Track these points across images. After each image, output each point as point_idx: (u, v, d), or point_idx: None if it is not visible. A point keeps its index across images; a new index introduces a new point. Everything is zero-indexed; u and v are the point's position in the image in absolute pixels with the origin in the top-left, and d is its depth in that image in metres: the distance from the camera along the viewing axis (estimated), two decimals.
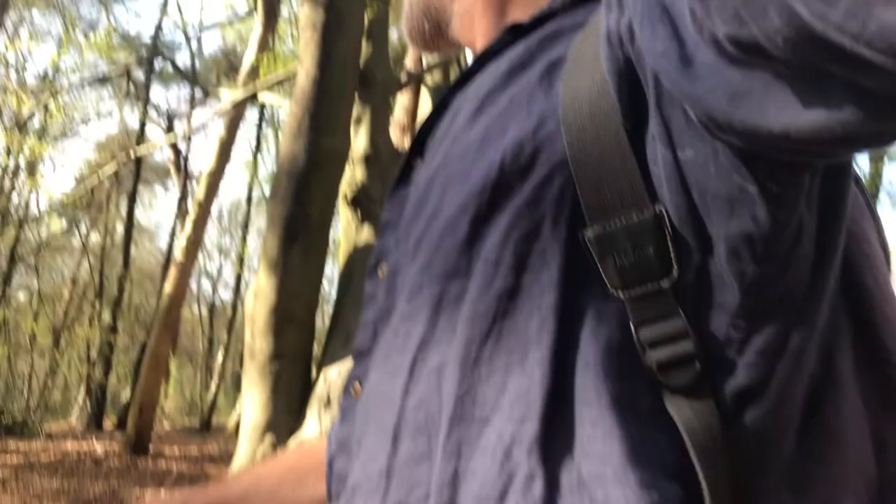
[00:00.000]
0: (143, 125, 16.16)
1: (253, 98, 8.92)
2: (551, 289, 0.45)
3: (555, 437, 0.43)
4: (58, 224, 17.78)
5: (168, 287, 9.41)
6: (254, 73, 9.14)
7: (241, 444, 7.02)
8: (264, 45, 9.64)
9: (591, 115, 0.45)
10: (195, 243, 9.53)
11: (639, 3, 0.41)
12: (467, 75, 0.59)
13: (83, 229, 18.28)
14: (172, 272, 9.34)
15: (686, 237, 0.44)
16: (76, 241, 18.94)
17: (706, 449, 0.42)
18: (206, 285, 22.57)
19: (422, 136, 0.60)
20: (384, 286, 0.55)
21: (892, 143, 0.36)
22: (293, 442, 6.51)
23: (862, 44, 0.29)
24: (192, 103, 17.19)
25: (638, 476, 0.42)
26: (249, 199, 18.03)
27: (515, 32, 0.57)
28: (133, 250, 16.26)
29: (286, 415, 6.91)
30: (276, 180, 7.08)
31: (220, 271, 22.56)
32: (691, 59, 0.38)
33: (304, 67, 6.35)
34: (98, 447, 9.88)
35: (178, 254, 9.63)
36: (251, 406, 7.06)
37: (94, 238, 18.23)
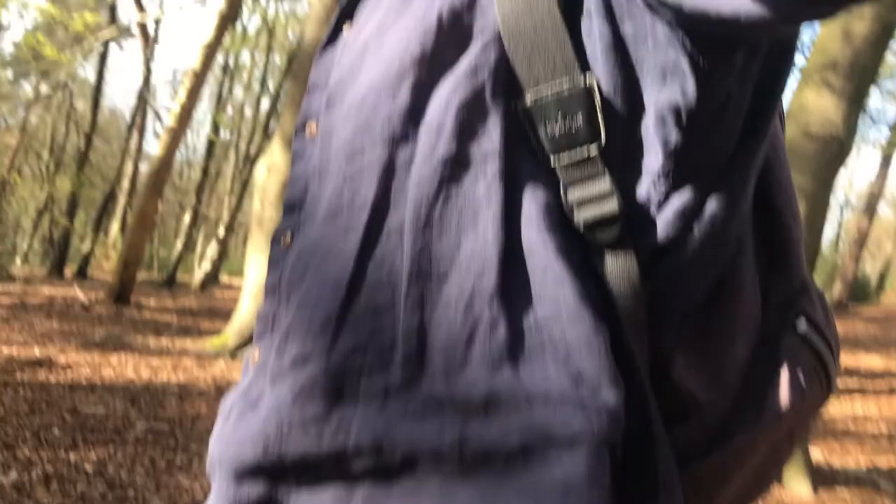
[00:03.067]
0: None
1: None
2: (494, 157, 0.47)
3: (511, 287, 0.47)
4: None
5: (160, 150, 9.78)
6: None
7: (244, 301, 7.77)
8: None
9: None
10: (188, 111, 9.85)
11: None
12: None
13: (32, 80, 17.72)
14: (164, 137, 9.69)
15: (616, 106, 0.47)
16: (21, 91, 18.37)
17: (625, 294, 0.48)
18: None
19: (353, 1, 0.59)
20: (317, 145, 0.55)
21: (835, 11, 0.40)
22: None
23: None
24: None
25: (589, 313, 0.47)
26: (226, 69, 18.05)
27: None
28: (82, 104, 16.03)
29: None
30: (300, 62, 7.49)
31: None
32: None
33: None
34: (80, 294, 10.30)
35: (170, 120, 9.93)
36: (257, 268, 7.77)
37: (43, 89, 17.75)
